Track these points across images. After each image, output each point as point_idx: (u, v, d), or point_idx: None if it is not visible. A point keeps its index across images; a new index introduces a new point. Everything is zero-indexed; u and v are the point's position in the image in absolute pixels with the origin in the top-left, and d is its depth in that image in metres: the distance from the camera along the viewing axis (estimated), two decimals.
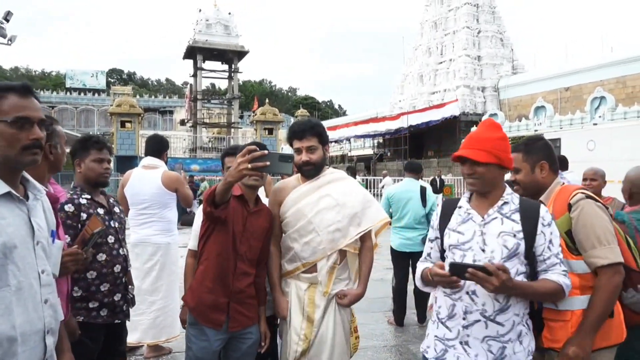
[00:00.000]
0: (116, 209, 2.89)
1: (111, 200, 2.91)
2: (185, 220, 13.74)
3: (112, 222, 2.77)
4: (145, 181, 4.29)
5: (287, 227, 2.72)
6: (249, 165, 1.96)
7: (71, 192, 2.70)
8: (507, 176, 2.46)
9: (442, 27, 37.41)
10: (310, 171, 2.67)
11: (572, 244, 2.19)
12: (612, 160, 12.46)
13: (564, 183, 2.44)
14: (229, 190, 2.26)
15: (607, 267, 2.11)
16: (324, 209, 2.65)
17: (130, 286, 2.94)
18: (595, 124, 20.56)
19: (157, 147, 4.49)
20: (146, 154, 4.49)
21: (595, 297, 2.11)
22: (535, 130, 24.27)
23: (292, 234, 2.67)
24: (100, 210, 2.74)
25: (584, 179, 4.47)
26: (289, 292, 2.69)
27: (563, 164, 7.21)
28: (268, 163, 1.84)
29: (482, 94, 34.53)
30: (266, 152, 1.87)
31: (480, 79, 34.83)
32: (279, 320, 2.77)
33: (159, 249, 4.34)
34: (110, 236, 2.72)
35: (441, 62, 36.85)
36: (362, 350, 3.16)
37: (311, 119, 2.82)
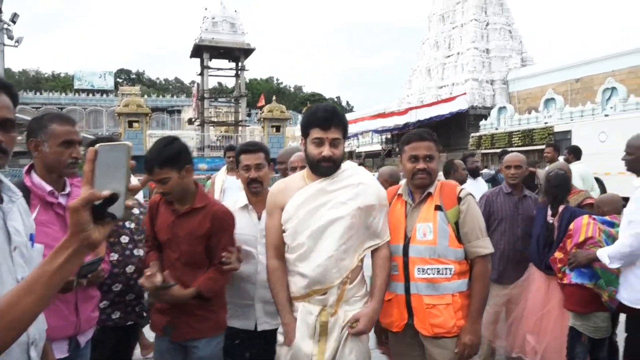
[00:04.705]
0: (135, 210, 2.91)
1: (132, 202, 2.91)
2: None
3: (126, 223, 2.80)
4: None
5: (290, 242, 2.27)
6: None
7: None
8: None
9: (450, 20, 37.05)
10: (330, 169, 2.23)
11: (458, 234, 2.38)
12: (623, 152, 12.18)
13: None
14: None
15: (486, 256, 2.39)
16: (336, 221, 2.20)
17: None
18: (606, 115, 20.25)
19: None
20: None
21: (477, 285, 2.37)
22: (546, 123, 23.97)
23: (299, 255, 2.23)
24: None
25: None
26: (296, 316, 2.26)
27: (577, 153, 7.07)
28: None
29: (491, 87, 34.15)
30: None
31: (489, 72, 34.44)
32: (277, 344, 2.34)
33: None
34: (124, 236, 2.75)
35: (449, 56, 36.49)
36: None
37: (334, 107, 2.32)
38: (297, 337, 2.19)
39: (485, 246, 2.41)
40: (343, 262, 2.20)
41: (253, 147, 2.80)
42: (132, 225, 2.83)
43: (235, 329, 2.68)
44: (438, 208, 2.42)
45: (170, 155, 2.39)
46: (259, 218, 2.73)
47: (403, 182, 2.66)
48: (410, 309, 2.39)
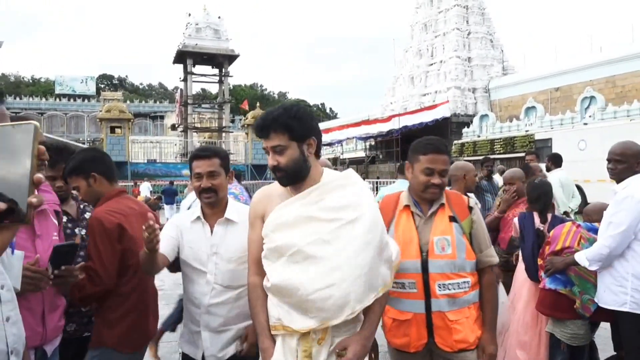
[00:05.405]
0: (87, 215, 2.76)
1: (83, 206, 2.82)
2: None
3: (76, 230, 2.68)
4: None
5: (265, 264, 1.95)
6: None
7: None
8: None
9: (432, 29, 37.48)
10: (283, 179, 1.94)
11: (471, 245, 2.34)
12: (602, 160, 12.42)
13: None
14: None
15: (493, 265, 2.40)
16: (320, 261, 1.82)
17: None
18: (585, 124, 20.63)
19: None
20: None
21: (489, 294, 2.36)
22: (527, 131, 24.36)
23: (276, 288, 1.88)
24: (63, 218, 2.63)
25: None
26: (276, 341, 1.91)
27: (557, 161, 7.23)
28: None
29: (473, 95, 34.60)
30: None
31: (470, 80, 34.90)
32: None
33: None
34: None
35: (432, 64, 36.89)
36: None
37: (283, 105, 2.01)
38: None
39: (494, 255, 2.41)
40: (333, 308, 1.81)
41: (205, 153, 2.48)
42: (84, 232, 2.65)
43: (188, 355, 2.49)
44: (452, 219, 2.33)
45: (74, 165, 2.53)
46: (212, 232, 2.45)
47: (400, 188, 2.61)
48: (430, 327, 2.27)
